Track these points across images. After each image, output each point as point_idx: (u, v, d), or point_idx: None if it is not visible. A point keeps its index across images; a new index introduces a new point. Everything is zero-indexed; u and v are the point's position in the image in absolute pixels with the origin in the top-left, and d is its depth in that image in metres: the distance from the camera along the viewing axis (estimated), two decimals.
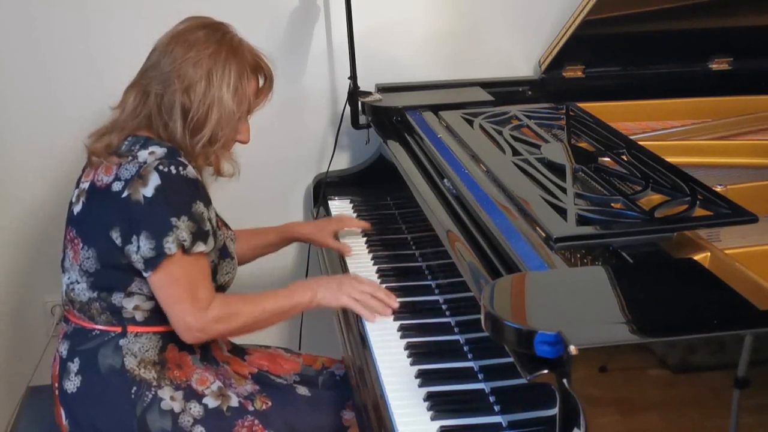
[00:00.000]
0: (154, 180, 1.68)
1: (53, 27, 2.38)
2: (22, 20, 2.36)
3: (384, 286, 1.95)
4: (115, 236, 1.70)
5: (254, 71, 1.82)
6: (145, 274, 1.70)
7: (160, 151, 1.73)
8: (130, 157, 1.73)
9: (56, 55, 2.40)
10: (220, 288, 1.85)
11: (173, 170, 1.69)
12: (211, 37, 1.77)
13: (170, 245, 1.66)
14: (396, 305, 1.83)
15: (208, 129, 1.75)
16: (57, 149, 2.41)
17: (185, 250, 1.68)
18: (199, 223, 1.70)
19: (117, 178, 1.71)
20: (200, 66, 1.74)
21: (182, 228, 1.67)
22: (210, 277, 1.77)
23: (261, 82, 1.86)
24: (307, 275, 2.53)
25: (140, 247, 1.67)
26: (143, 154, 1.72)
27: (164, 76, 1.74)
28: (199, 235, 1.70)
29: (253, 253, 2.15)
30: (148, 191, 1.67)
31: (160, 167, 1.69)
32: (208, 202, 1.76)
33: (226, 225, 1.92)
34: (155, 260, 1.67)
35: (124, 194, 1.69)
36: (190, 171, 1.72)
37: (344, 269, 2.08)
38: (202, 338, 1.76)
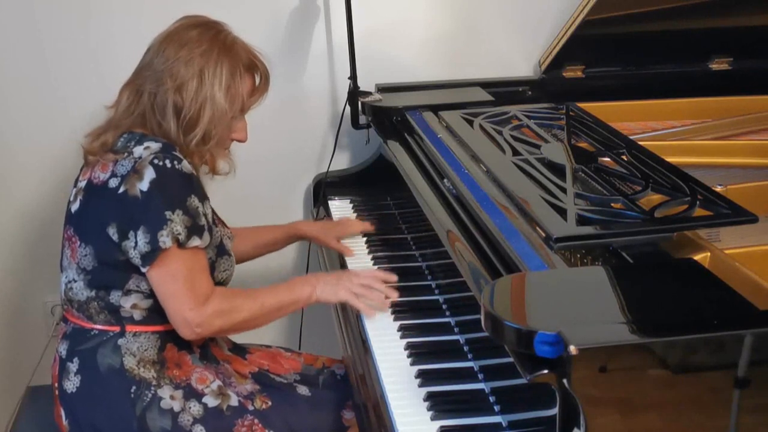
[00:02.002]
0: (149, 174, 1.68)
1: (55, 27, 2.38)
2: (24, 20, 2.36)
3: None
4: (112, 232, 1.70)
5: (249, 69, 1.82)
6: (143, 270, 1.70)
7: (155, 145, 1.73)
8: (125, 153, 1.73)
9: (58, 55, 2.40)
10: (218, 285, 1.85)
11: (168, 164, 1.69)
12: (203, 36, 1.77)
13: (165, 239, 1.66)
14: (395, 295, 1.84)
15: (201, 127, 1.75)
16: (59, 149, 2.41)
17: (180, 244, 1.68)
18: (194, 217, 1.70)
19: (113, 174, 1.71)
20: (192, 64, 1.74)
21: (177, 222, 1.67)
22: (209, 272, 1.77)
23: (257, 80, 1.85)
24: (307, 273, 2.53)
25: (137, 243, 1.67)
26: (139, 150, 1.72)
27: (157, 75, 1.75)
28: (194, 229, 1.69)
29: (260, 250, 2.17)
30: (144, 185, 1.67)
31: (155, 161, 1.69)
32: (203, 197, 1.75)
33: (223, 223, 1.92)
34: (151, 255, 1.67)
35: (121, 190, 1.69)
36: (186, 165, 1.72)
37: (343, 268, 2.08)
38: (201, 334, 1.75)
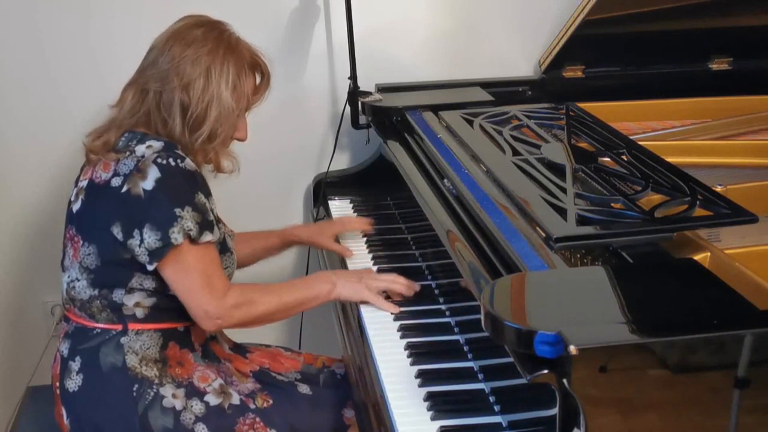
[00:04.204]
0: (154, 173, 1.68)
1: (55, 27, 2.38)
2: (24, 20, 2.36)
3: None
4: (116, 231, 1.70)
5: (252, 68, 1.83)
6: (149, 267, 1.70)
7: (157, 144, 1.73)
8: (127, 153, 1.73)
9: (59, 54, 2.40)
10: None
11: (172, 162, 1.70)
12: (208, 35, 1.77)
13: (176, 235, 1.67)
14: (418, 288, 1.86)
15: (207, 126, 1.76)
16: (58, 149, 2.41)
17: (192, 240, 1.69)
18: (203, 213, 1.71)
19: (116, 174, 1.72)
20: (198, 63, 1.75)
21: (187, 218, 1.68)
22: (221, 266, 1.77)
23: (258, 79, 1.87)
24: (307, 275, 2.53)
25: (144, 240, 1.67)
26: (141, 149, 1.73)
27: (163, 74, 1.75)
28: (205, 224, 1.70)
29: (255, 256, 2.15)
30: (148, 184, 1.68)
31: (159, 160, 1.69)
32: (208, 194, 1.76)
33: (223, 221, 1.93)
34: (160, 251, 1.67)
35: (124, 189, 1.69)
36: (189, 163, 1.72)
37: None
38: (222, 326, 1.77)
